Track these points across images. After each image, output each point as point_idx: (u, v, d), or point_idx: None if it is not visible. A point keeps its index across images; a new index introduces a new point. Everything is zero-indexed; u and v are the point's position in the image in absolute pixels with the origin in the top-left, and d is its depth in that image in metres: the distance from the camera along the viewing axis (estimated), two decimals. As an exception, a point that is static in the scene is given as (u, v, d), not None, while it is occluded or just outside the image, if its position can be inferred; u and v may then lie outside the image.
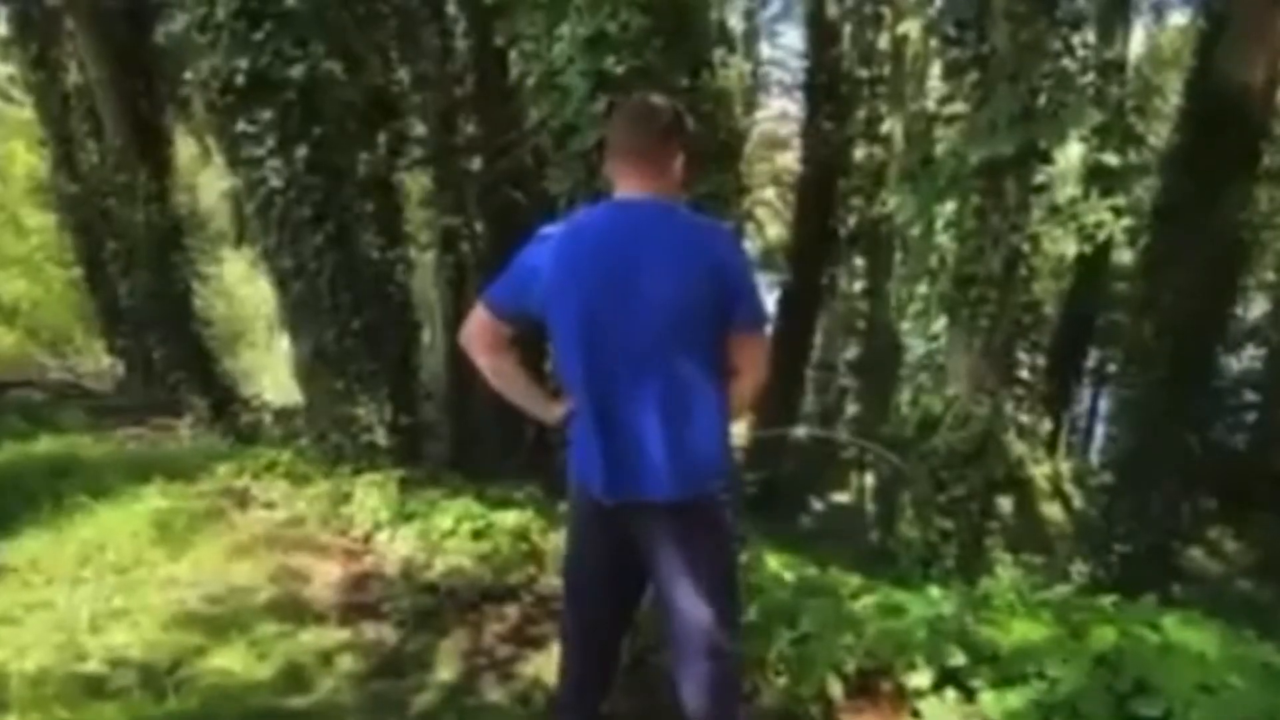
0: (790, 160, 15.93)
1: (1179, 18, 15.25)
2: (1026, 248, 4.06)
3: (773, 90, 18.79)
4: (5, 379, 8.71)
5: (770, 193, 16.54)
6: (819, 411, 14.82)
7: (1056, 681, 2.36)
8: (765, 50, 18.25)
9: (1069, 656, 2.47)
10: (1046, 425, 13.49)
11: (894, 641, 2.57)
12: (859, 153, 12.18)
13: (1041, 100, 3.77)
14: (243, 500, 4.52)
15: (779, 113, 17.83)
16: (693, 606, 1.84)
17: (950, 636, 2.58)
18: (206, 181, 14.79)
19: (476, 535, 3.64)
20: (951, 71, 4.25)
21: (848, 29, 12.14)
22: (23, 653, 2.93)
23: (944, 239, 4.96)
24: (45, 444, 5.73)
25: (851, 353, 13.79)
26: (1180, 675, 2.39)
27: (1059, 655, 2.49)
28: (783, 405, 12.07)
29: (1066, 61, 4.04)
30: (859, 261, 13.33)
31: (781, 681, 2.53)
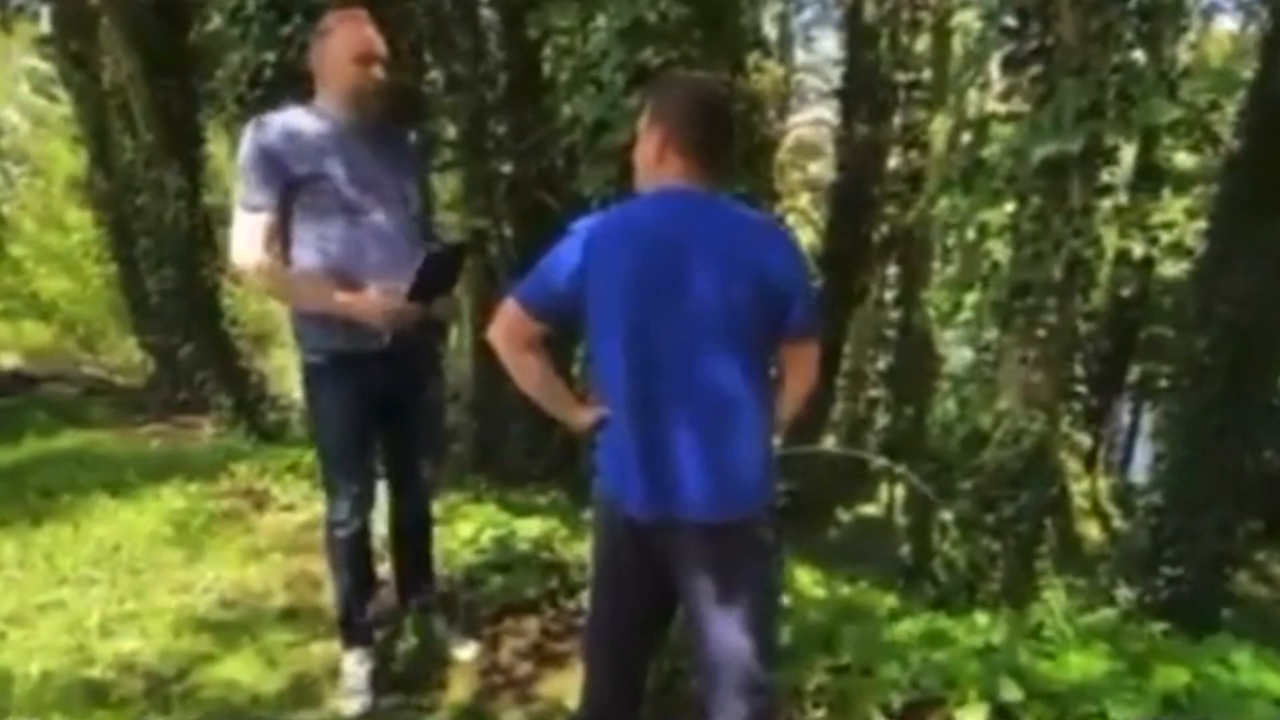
0: (824, 167, 15.71)
1: (1229, 22, 14.84)
2: (1089, 253, 3.82)
3: (808, 97, 18.58)
4: (36, 373, 8.78)
5: (804, 199, 16.33)
6: (848, 421, 14.55)
7: (1123, 725, 2.16)
8: (800, 56, 18.07)
9: (1135, 696, 2.27)
10: (1087, 442, 13.12)
11: (942, 673, 2.39)
12: (894, 159, 11.98)
13: (1110, 95, 3.55)
14: (262, 501, 4.44)
15: (814, 119, 17.60)
16: (729, 637, 1.68)
17: (1003, 669, 2.39)
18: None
19: (498, 544, 3.51)
20: (1011, 65, 4.02)
21: (884, 32, 11.92)
22: (30, 655, 2.85)
23: (996, 244, 4.70)
24: (68, 439, 5.73)
25: (883, 362, 13.53)
26: (1260, 721, 2.19)
27: (1123, 693, 2.29)
28: (812, 414, 11.84)
29: (1138, 53, 3.80)
30: (893, 269, 13.09)
31: (820, 714, 2.36)
